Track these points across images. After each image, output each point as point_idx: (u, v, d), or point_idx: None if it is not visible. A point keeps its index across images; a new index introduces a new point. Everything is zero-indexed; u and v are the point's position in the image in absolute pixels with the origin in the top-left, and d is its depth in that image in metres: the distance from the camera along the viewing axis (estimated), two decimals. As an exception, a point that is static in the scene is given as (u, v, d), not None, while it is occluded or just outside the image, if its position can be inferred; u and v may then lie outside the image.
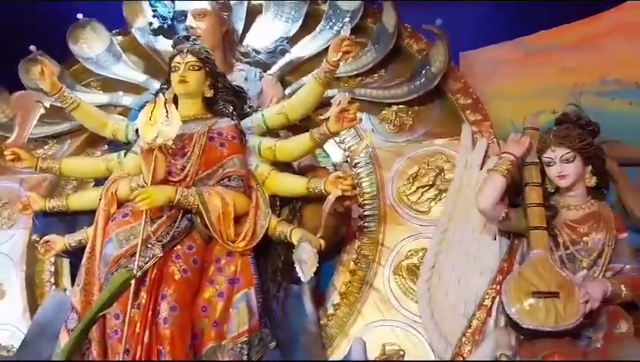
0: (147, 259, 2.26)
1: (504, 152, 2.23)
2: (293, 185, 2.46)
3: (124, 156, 2.60)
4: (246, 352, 2.17)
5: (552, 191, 2.18)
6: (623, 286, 1.97)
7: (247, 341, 2.19)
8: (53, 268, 2.86)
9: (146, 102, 2.57)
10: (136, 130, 2.56)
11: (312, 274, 2.25)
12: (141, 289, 2.22)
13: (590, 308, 1.90)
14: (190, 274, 2.29)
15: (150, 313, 2.21)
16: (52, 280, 2.84)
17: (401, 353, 2.29)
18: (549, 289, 1.93)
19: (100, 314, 1.64)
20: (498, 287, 2.13)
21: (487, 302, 2.13)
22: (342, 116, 2.28)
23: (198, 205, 2.30)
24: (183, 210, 2.33)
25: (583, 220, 2.09)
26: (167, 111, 2.25)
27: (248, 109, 2.66)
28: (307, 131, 2.46)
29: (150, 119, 2.25)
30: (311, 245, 2.26)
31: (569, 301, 1.90)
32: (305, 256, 2.24)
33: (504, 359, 1.81)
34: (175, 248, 2.32)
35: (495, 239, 2.26)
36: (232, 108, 2.59)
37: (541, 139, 2.22)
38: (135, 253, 2.25)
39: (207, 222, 2.29)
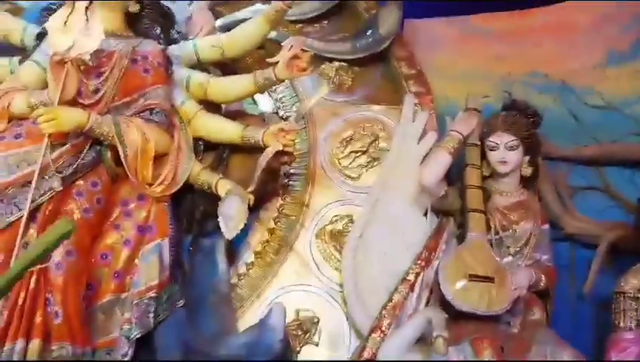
0: (42, 192, 1.90)
1: (452, 130, 2.20)
2: (224, 130, 2.22)
3: (19, 64, 2.15)
4: (153, 309, 1.93)
5: (487, 175, 2.20)
6: (542, 275, 2.06)
7: (155, 296, 1.95)
8: None
9: (52, 4, 2.14)
10: (38, 35, 2.13)
11: (238, 231, 2.06)
12: (30, 226, 1.87)
13: (518, 294, 1.97)
14: (92, 215, 1.98)
15: (40, 255, 1.87)
16: None
17: (315, 320, 2.21)
18: (486, 273, 1.96)
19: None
20: (422, 263, 2.13)
21: (411, 278, 2.12)
22: (293, 63, 2.08)
23: (112, 136, 1.98)
24: (91, 139, 1.99)
25: (514, 208, 2.15)
26: (87, 20, 1.87)
27: (176, 35, 2.33)
28: (235, 73, 2.23)
29: (65, 25, 1.86)
30: (240, 200, 2.06)
31: (502, 286, 1.94)
32: (233, 211, 2.04)
33: (441, 341, 1.81)
34: (76, 183, 1.99)
35: (425, 215, 2.24)
36: (159, 30, 2.24)
37: (487, 123, 2.23)
38: (27, 182, 1.88)
39: (122, 158, 1.98)
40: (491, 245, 2.08)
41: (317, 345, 2.18)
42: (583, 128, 2.58)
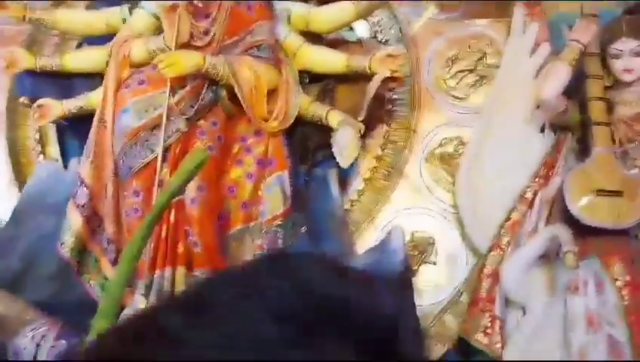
0: (170, 134, 2.04)
1: (571, 39, 2.07)
2: (330, 61, 2.23)
3: (129, 12, 2.24)
4: (281, 236, 2.07)
5: (609, 85, 2.08)
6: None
7: (281, 224, 2.08)
8: (37, 136, 2.56)
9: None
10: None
11: (352, 160, 2.11)
12: (163, 166, 2.03)
13: (650, 208, 1.90)
14: (216, 152, 2.10)
15: (175, 192, 2.03)
16: (38, 148, 2.56)
17: (431, 240, 2.26)
18: (613, 187, 1.90)
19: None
20: (541, 181, 2.09)
21: (529, 195, 2.09)
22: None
23: (228, 76, 2.05)
24: (207, 80, 2.07)
25: (639, 118, 2.03)
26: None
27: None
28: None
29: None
30: (353, 129, 2.09)
31: (631, 200, 1.89)
32: (346, 140, 2.08)
33: (571, 256, 1.81)
34: (198, 123, 2.10)
35: (542, 131, 2.17)
36: (258, -35, 2.24)
37: (609, 29, 2.07)
38: (156, 125, 2.02)
39: (239, 96, 2.06)
40: (615, 158, 1.99)
41: (434, 264, 2.25)
42: None
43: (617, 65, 2.05)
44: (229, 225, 2.12)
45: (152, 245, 2.00)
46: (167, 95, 1.98)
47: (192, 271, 2.04)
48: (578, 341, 1.85)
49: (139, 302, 1.95)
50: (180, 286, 2.01)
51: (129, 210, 2.07)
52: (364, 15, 2.23)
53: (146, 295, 1.98)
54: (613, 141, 2.00)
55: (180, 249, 2.02)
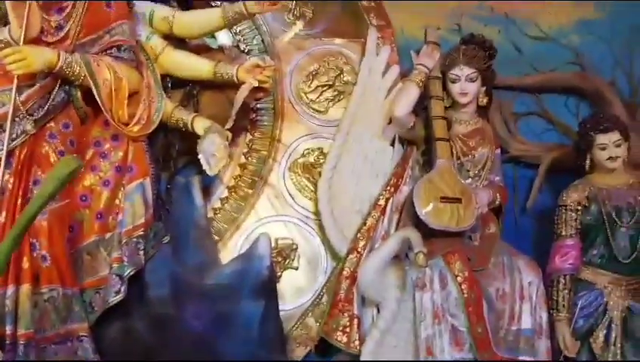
0: (15, 136, 1.84)
1: (419, 64, 2.31)
2: (195, 66, 2.20)
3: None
4: (142, 247, 1.97)
5: (447, 105, 2.36)
6: (498, 194, 2.30)
7: (142, 235, 1.98)
8: None
9: None
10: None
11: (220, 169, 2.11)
12: (5, 171, 1.82)
13: (481, 212, 2.19)
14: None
15: (20, 200, 1.84)
16: None
17: (294, 246, 2.34)
18: (454, 195, 2.15)
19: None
20: (392, 189, 2.29)
21: (382, 202, 2.28)
22: None
23: (84, 76, 1.91)
24: (60, 79, 1.92)
25: (472, 135, 2.33)
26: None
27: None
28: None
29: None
30: (220, 137, 2.09)
31: (468, 206, 2.15)
32: (213, 148, 2.07)
33: (421, 255, 2.00)
34: (48, 125, 1.94)
35: (392, 145, 2.38)
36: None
37: (448, 56, 2.35)
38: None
39: (97, 97, 1.93)
40: (455, 169, 2.26)
41: (296, 269, 2.33)
42: (524, 58, 2.77)
43: (455, 88, 2.33)
44: (81, 236, 1.97)
45: (-8, 261, 1.77)
46: (14, 94, 1.79)
47: (39, 288, 1.85)
48: (425, 332, 2.06)
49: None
50: (25, 306, 1.81)
51: (-37, 220, 1.82)
52: (232, 24, 2.25)
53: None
54: (451, 154, 2.27)
55: (25, 264, 1.82)
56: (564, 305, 2.17)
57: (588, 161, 2.32)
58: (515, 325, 2.10)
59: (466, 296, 2.05)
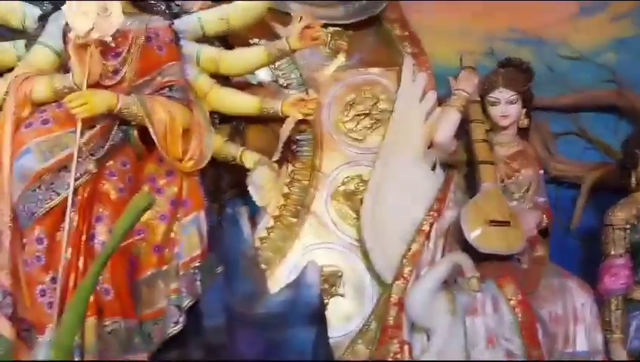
0: (78, 176, 1.94)
1: (457, 89, 2.37)
2: (242, 103, 2.29)
3: (25, 48, 2.11)
4: (199, 278, 2.04)
5: (488, 128, 2.40)
6: (544, 216, 2.33)
7: (199, 266, 2.05)
8: None
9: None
10: (40, 17, 2.09)
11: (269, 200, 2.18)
12: (70, 210, 1.91)
13: (530, 235, 2.22)
14: (126, 194, 2.03)
15: (84, 236, 1.92)
16: None
17: (339, 274, 2.39)
18: (503, 218, 2.18)
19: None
20: (435, 214, 2.33)
21: (426, 228, 2.32)
22: (306, 33, 2.16)
23: (141, 116, 2.01)
24: (118, 120, 2.02)
25: (515, 157, 2.37)
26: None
27: (176, 8, 2.33)
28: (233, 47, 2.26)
29: (82, 8, 1.85)
30: (269, 169, 2.17)
31: (517, 228, 2.17)
32: (263, 180, 2.15)
33: (475, 280, 2.03)
34: (107, 164, 2.02)
35: (433, 170, 2.43)
36: (163, 5, 2.25)
37: (487, 80, 2.40)
38: (63, 167, 1.91)
39: (153, 136, 2.02)
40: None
41: (342, 296, 2.37)
42: (558, 78, 2.81)
43: (495, 111, 2.38)
44: (139, 269, 2.04)
45: (59, 296, 1.86)
46: (77, 136, 1.89)
47: (103, 321, 1.92)
48: (480, 357, 2.08)
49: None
50: (91, 338, 1.88)
51: (30, 258, 1.91)
52: (273, 61, 2.34)
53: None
54: (496, 177, 2.31)
55: (91, 298, 1.90)
56: (617, 326, 2.17)
57: (633, 179, 2.34)
58: (570, 347, 2.11)
59: (520, 319, 2.07)
